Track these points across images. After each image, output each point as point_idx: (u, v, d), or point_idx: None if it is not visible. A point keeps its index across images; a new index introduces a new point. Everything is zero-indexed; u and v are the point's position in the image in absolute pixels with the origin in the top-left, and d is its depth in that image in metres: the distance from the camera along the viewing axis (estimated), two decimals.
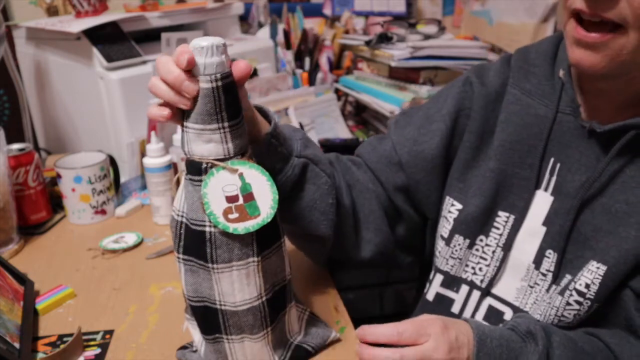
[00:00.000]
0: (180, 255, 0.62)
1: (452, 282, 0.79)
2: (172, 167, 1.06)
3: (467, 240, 0.77)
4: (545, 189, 0.73)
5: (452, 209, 0.78)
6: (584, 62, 0.62)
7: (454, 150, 0.80)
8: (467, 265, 0.78)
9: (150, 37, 1.28)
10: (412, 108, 0.87)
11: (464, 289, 0.78)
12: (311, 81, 1.50)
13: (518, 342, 0.65)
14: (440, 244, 0.80)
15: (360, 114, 1.56)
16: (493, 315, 0.76)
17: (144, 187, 1.16)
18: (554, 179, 0.73)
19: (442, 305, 0.80)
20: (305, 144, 0.73)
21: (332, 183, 0.75)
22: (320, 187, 0.73)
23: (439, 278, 0.80)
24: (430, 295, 0.82)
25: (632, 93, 0.66)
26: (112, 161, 1.12)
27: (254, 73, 1.41)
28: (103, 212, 1.07)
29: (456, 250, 0.78)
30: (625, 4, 0.57)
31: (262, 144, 0.67)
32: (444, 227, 0.79)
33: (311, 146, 0.74)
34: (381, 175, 0.83)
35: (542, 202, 0.73)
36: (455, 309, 0.79)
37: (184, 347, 0.71)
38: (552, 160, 0.73)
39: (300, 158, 0.71)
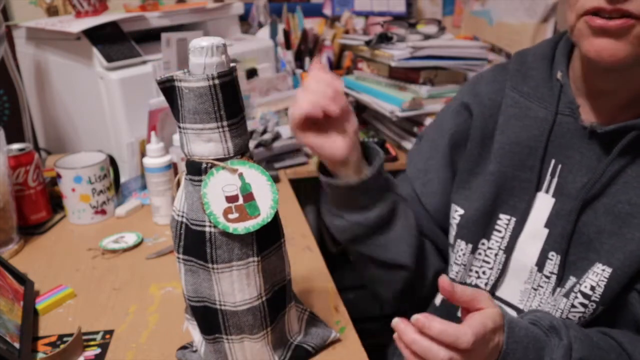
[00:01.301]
0: (181, 256, 0.62)
1: None
2: (172, 167, 1.06)
3: (470, 245, 0.77)
4: (547, 191, 0.73)
5: (455, 215, 0.79)
6: (605, 52, 0.61)
7: (456, 165, 0.82)
8: (471, 270, 0.78)
9: (150, 37, 1.28)
10: (421, 139, 0.89)
11: None
12: None
13: (542, 336, 0.63)
14: None
15: (360, 114, 1.55)
16: None
17: (144, 187, 1.16)
18: (555, 180, 0.72)
19: (448, 310, 0.80)
20: (394, 182, 0.79)
21: (415, 219, 0.81)
22: (408, 220, 0.79)
23: None
24: (437, 300, 0.83)
25: (632, 93, 0.66)
26: (112, 161, 1.12)
27: (254, 73, 1.41)
28: (103, 212, 1.07)
29: (459, 257, 0.78)
30: None
31: (362, 183, 0.72)
32: (450, 235, 0.80)
33: (395, 183, 0.80)
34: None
35: (543, 204, 0.73)
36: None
37: (184, 347, 0.71)
38: (552, 161, 0.72)
39: (396, 194, 0.78)
